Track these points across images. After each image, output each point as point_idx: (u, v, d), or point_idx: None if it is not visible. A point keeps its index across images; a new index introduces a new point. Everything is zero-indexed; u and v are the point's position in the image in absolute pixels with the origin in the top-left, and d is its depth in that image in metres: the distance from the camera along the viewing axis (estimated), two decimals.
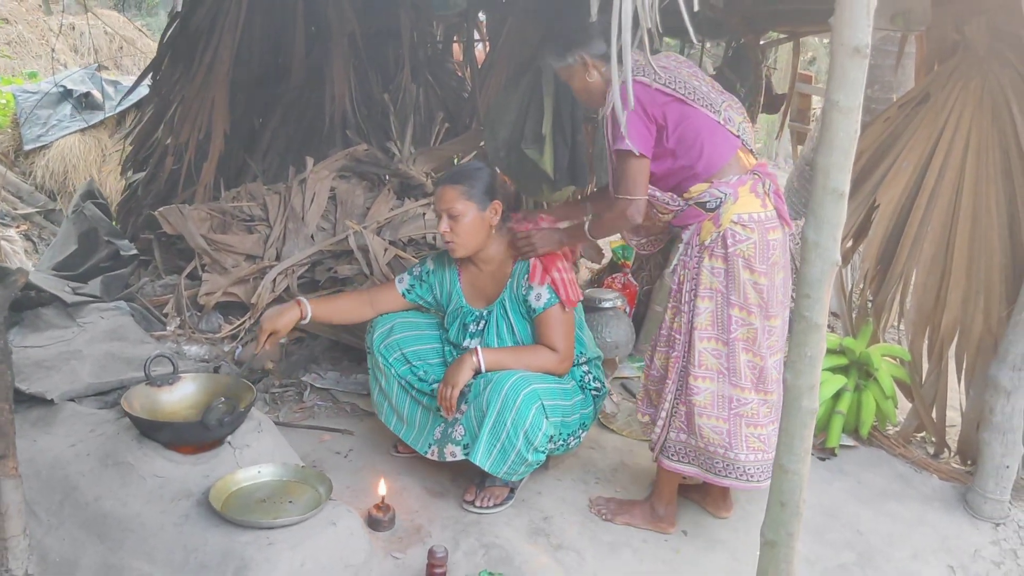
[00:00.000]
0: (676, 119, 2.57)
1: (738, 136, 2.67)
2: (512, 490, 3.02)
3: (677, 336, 2.70)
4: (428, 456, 3.00)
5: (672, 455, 2.82)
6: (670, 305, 2.72)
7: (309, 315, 2.96)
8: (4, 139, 7.41)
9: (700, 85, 2.62)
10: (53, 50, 9.15)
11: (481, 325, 3.02)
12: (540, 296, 2.87)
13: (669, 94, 2.56)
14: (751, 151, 2.73)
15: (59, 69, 8.74)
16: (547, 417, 2.80)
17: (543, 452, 2.84)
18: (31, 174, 7.16)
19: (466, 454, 2.85)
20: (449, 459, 2.91)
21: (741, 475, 2.74)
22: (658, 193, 2.66)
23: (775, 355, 2.70)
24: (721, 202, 2.58)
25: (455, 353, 3.07)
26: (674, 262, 2.71)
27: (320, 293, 4.03)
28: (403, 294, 3.14)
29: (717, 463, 2.74)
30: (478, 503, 2.96)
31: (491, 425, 2.76)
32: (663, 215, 2.71)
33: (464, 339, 3.04)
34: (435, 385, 3.02)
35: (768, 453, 2.74)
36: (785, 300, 2.70)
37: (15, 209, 6.57)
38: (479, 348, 2.86)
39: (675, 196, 2.66)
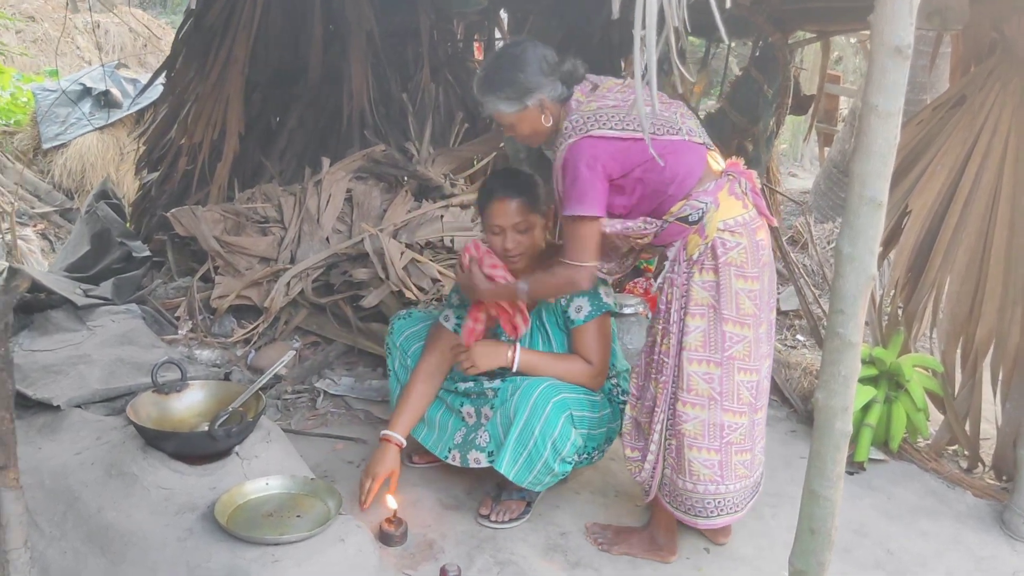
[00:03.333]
0: (636, 161, 2.40)
1: (702, 143, 2.51)
2: (529, 504, 2.93)
3: (665, 359, 2.52)
4: (449, 461, 2.91)
5: (666, 495, 2.66)
6: (658, 327, 2.54)
7: (404, 441, 2.85)
8: (23, 137, 7.41)
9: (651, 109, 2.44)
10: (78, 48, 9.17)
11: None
12: (580, 308, 2.77)
13: (625, 138, 2.38)
14: (715, 150, 2.56)
15: (83, 67, 8.74)
16: (575, 427, 2.69)
17: (570, 463, 2.74)
18: (49, 173, 7.16)
19: (491, 461, 2.76)
20: (473, 465, 2.83)
21: (732, 509, 2.61)
22: (630, 223, 2.48)
23: (766, 360, 2.57)
24: (703, 212, 2.42)
25: None
26: (659, 281, 2.53)
27: (335, 297, 3.95)
28: (456, 331, 2.94)
29: (708, 504, 2.58)
30: (493, 517, 2.86)
31: (518, 433, 2.65)
32: (640, 239, 2.54)
33: None
34: (460, 384, 2.94)
35: (751, 477, 2.62)
36: (772, 301, 2.56)
37: (32, 208, 6.55)
38: (518, 344, 2.75)
39: (650, 219, 2.48)
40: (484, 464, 2.79)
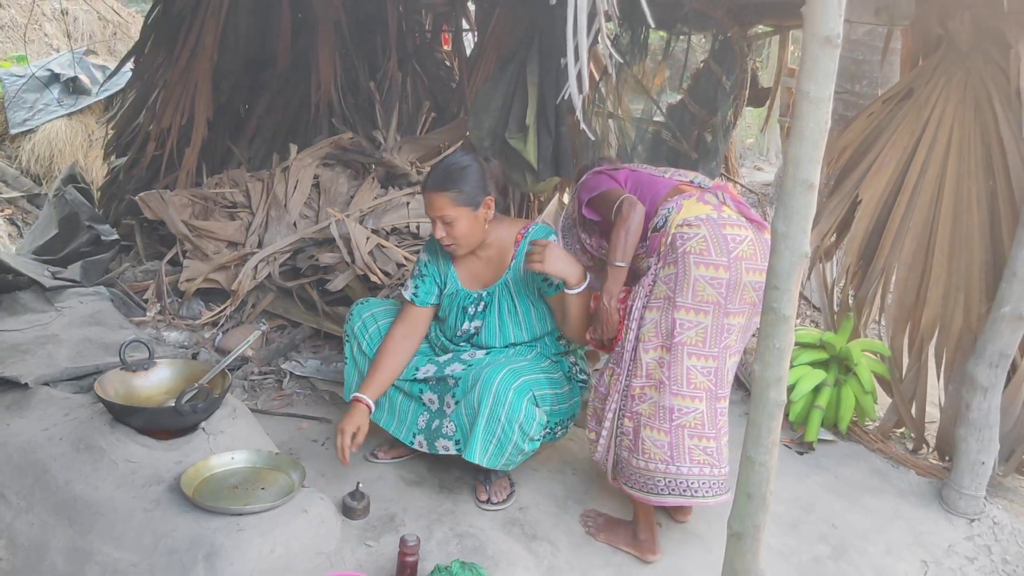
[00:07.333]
0: (624, 178, 2.84)
1: (689, 181, 2.80)
2: (512, 481, 3.05)
3: (622, 352, 2.68)
4: (415, 447, 3.00)
5: (622, 476, 2.77)
6: (626, 324, 2.70)
7: (372, 404, 2.89)
8: None
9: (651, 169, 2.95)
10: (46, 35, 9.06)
11: (481, 307, 2.99)
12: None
13: (620, 168, 2.93)
14: (707, 190, 2.77)
15: (51, 54, 8.65)
16: (538, 407, 2.82)
17: (538, 440, 2.86)
18: (16, 158, 7.09)
19: (459, 450, 2.85)
20: (441, 452, 2.92)
21: (685, 490, 2.66)
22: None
23: (734, 356, 2.66)
24: (666, 218, 2.63)
25: (442, 340, 3.07)
26: (635, 288, 2.72)
27: (301, 281, 4.02)
28: (419, 304, 3.00)
29: (659, 481, 2.66)
30: (494, 499, 2.96)
31: (485, 422, 2.75)
32: (640, 261, 2.76)
33: (464, 322, 3.01)
34: (419, 371, 3.01)
35: (718, 468, 2.67)
36: (758, 305, 2.61)
37: (0, 193, 6.52)
38: (589, 276, 2.83)
39: (642, 243, 2.73)
40: (452, 452, 2.88)
